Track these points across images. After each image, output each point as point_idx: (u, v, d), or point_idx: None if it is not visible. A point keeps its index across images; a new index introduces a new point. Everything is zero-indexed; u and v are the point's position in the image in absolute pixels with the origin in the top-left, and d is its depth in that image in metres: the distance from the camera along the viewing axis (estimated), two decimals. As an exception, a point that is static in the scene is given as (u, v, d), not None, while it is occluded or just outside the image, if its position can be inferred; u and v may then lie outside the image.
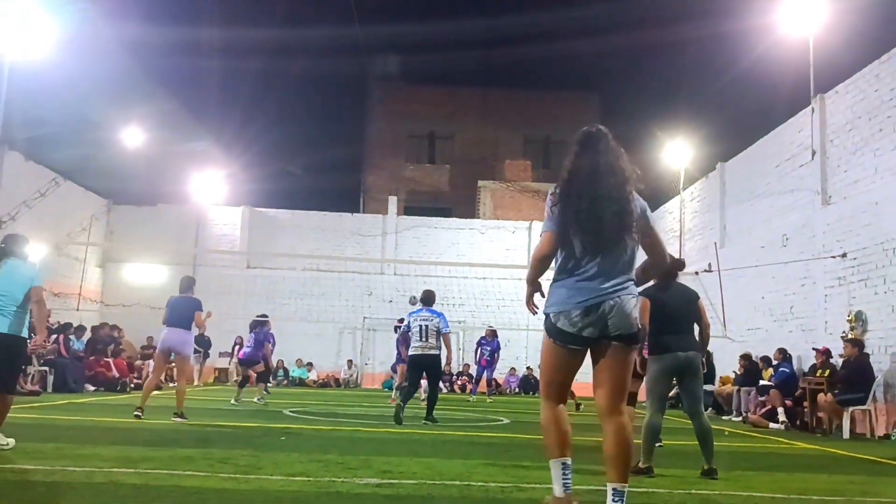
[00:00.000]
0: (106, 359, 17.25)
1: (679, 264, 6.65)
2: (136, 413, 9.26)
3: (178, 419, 9.22)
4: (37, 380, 14.64)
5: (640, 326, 3.92)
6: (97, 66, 15.76)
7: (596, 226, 3.80)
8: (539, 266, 3.95)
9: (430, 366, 10.61)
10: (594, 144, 4.00)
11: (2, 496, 4.16)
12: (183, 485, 4.78)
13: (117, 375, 16.83)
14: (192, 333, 9.61)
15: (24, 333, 6.21)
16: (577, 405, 13.84)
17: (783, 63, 17.39)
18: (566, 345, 3.85)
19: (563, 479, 3.81)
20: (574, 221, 3.81)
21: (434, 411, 10.66)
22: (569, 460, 3.84)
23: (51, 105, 16.82)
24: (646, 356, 6.35)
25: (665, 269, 5.16)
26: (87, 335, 18.32)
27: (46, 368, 15.14)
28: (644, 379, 6.52)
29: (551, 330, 3.88)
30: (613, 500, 3.68)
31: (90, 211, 23.77)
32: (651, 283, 6.30)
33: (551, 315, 3.86)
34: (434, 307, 10.96)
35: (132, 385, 17.06)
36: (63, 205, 21.76)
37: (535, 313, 4.08)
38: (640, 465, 6.15)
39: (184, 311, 9.53)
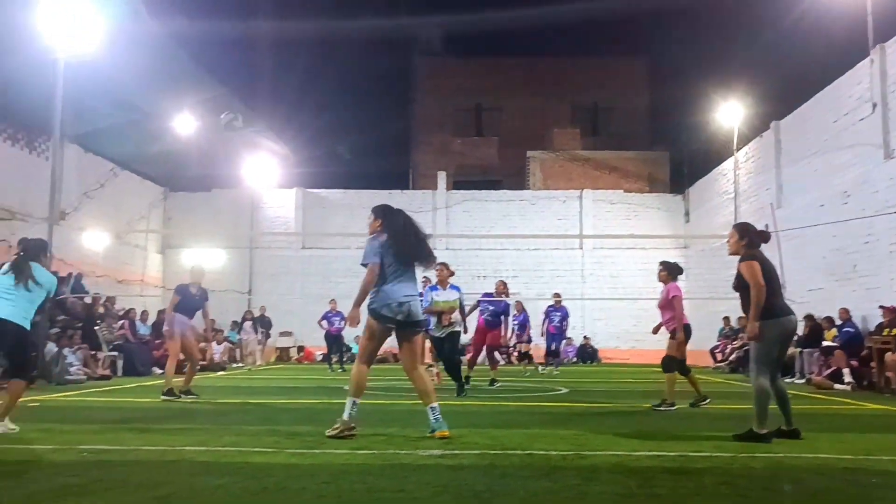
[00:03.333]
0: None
1: (765, 235, 6.64)
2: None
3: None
4: (107, 364, 15.18)
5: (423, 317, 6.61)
6: (147, 59, 16.11)
7: (408, 261, 6.20)
8: (370, 290, 6.13)
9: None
10: (404, 214, 6.39)
11: (81, 475, 4.35)
12: (251, 461, 4.93)
13: (182, 358, 17.26)
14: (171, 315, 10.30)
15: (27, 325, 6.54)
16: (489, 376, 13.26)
17: (838, 12, 16.73)
18: (385, 325, 6.09)
19: (352, 410, 5.97)
20: (400, 255, 6.13)
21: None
22: (359, 400, 6.06)
23: (105, 98, 17.26)
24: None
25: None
26: (152, 319, 18.89)
27: (116, 353, 15.68)
28: (755, 342, 6.16)
29: (377, 315, 6.05)
30: (432, 413, 6.06)
31: (148, 199, 24.38)
32: (744, 249, 6.34)
33: (377, 307, 6.05)
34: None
35: (198, 367, 17.51)
36: (121, 194, 22.37)
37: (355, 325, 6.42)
38: (755, 428, 6.03)
39: None
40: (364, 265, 6.16)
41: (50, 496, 3.79)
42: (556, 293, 18.48)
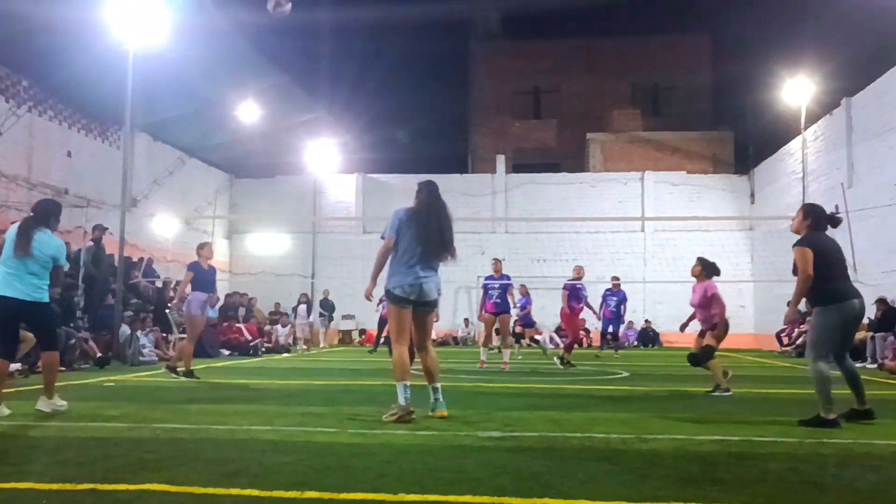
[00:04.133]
0: (238, 324, 18.22)
1: (835, 220, 6.46)
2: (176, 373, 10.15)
3: (176, 376, 10.08)
4: (177, 347, 15.67)
5: (438, 296, 6.22)
6: (212, 49, 16.48)
7: (429, 239, 6.08)
8: (383, 263, 6.19)
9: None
10: (434, 189, 6.30)
11: (156, 451, 4.55)
12: (315, 440, 5.06)
13: (249, 339, 17.77)
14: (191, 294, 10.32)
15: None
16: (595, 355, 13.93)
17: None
18: (401, 305, 6.06)
19: (405, 394, 5.93)
20: (417, 234, 6.06)
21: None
22: (408, 383, 5.97)
23: (172, 88, 17.73)
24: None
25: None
26: (220, 303, 19.33)
27: (185, 336, 16.17)
28: (812, 327, 6.15)
29: (391, 296, 6.06)
30: (434, 393, 6.19)
31: (214, 186, 25.02)
32: (806, 230, 6.20)
33: (391, 287, 6.06)
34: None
35: (263, 349, 17.99)
36: (189, 181, 23.00)
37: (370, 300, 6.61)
38: (822, 414, 5.87)
39: None
40: (383, 237, 6.18)
41: (127, 470, 3.98)
42: (614, 277, 18.30)
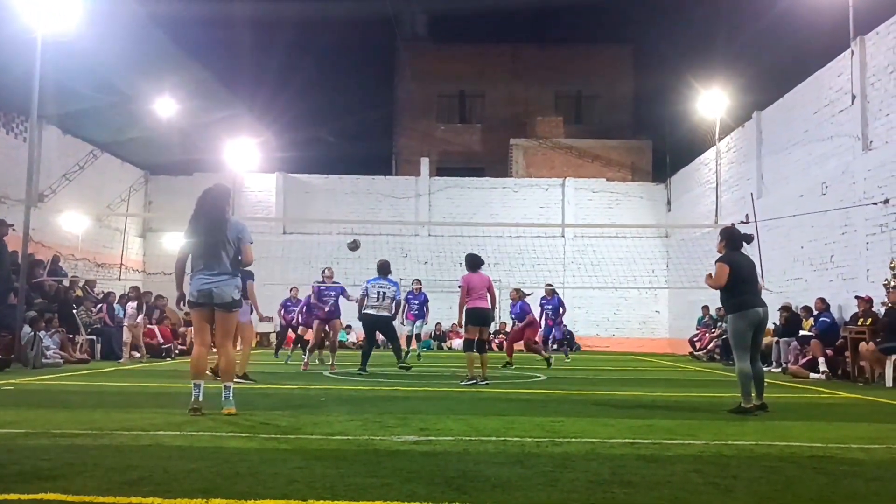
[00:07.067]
0: (150, 326, 17.61)
1: (748, 237, 7.69)
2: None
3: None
4: (85, 348, 15.06)
5: (240, 297, 6.66)
6: (127, 39, 15.90)
7: (205, 244, 6.53)
8: (179, 272, 6.77)
9: (383, 325, 12.67)
10: (207, 194, 6.73)
11: (52, 458, 4.32)
12: (225, 446, 4.91)
13: (162, 342, 17.20)
14: None
15: None
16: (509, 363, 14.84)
17: (821, 5, 16.81)
18: (197, 309, 6.54)
19: (196, 392, 6.39)
20: (195, 241, 6.57)
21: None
22: (201, 382, 6.44)
23: (84, 79, 17.02)
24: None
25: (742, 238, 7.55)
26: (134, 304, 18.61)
27: (94, 337, 15.57)
28: (730, 335, 7.44)
29: (188, 302, 6.55)
30: (225, 391, 6.49)
31: (128, 182, 24.18)
32: (723, 253, 7.47)
33: (189, 293, 6.53)
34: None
35: (176, 351, 17.46)
36: (101, 177, 22.17)
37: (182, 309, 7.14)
38: (743, 404, 7.13)
39: None
40: None
41: (19, 479, 3.76)
42: (547, 284, 18.28)
